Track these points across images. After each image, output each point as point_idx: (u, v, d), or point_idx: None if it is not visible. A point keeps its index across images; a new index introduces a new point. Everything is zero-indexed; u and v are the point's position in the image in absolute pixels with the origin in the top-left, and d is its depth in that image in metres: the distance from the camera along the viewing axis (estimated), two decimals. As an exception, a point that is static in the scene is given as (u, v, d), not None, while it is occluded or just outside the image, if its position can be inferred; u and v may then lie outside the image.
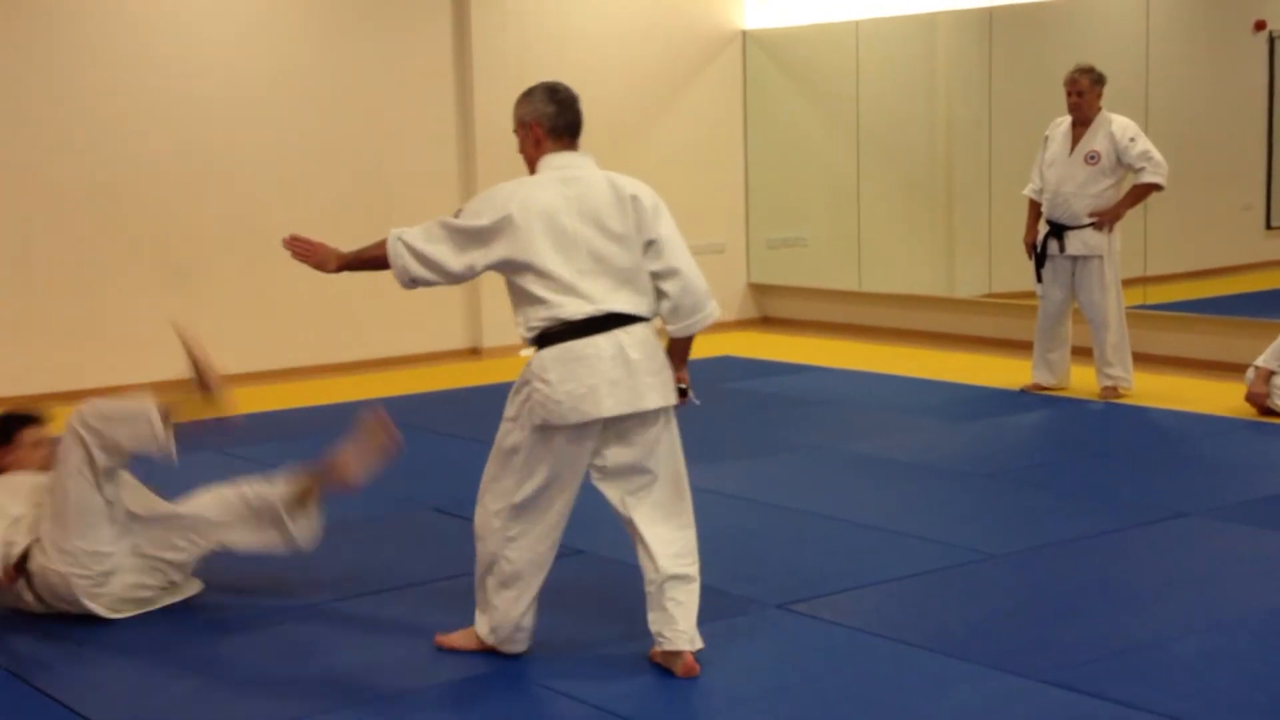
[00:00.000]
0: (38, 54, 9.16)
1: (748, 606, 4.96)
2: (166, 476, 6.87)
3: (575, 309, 4.30)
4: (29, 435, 5.31)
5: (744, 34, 11.84)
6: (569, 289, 4.30)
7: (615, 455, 4.40)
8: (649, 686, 4.32)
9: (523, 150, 4.56)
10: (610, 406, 4.29)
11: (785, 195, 11.94)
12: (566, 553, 5.49)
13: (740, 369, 9.84)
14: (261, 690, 4.42)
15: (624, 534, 5.74)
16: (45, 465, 5.13)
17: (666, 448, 4.46)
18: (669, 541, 4.43)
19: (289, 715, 4.20)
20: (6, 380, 9.09)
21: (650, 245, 4.41)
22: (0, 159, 9.11)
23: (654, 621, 4.42)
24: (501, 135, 11.46)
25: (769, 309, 12.08)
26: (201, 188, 9.73)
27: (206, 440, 7.84)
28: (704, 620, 4.80)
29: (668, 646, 4.39)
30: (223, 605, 5.15)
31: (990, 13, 10.65)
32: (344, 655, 4.65)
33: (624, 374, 4.30)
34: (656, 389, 4.38)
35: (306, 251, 4.60)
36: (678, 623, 4.39)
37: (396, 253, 4.39)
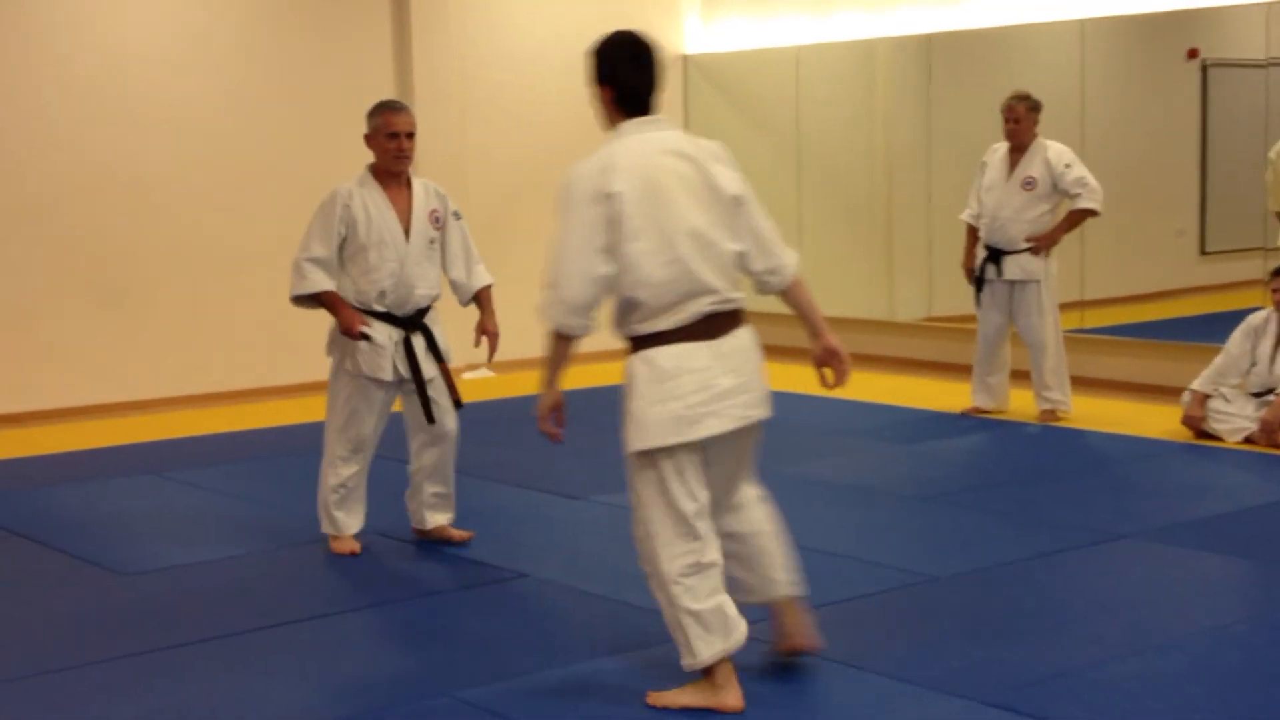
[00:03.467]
0: (-27, 74, 9.08)
1: (690, 630, 4.94)
2: (105, 506, 6.81)
3: None
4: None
5: (685, 59, 11.88)
6: None
7: None
8: (591, 711, 4.29)
9: None
10: None
11: (726, 219, 11.94)
12: (510, 576, 5.46)
13: (681, 392, 9.81)
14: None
15: (569, 558, 5.72)
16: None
17: None
18: None
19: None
20: (-61, 404, 8.99)
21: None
22: (-66, 180, 9.02)
23: None
24: (441, 165, 11.45)
25: (710, 333, 12.08)
26: (139, 208, 9.65)
27: (142, 464, 7.82)
28: (647, 644, 4.80)
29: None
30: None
31: (929, 39, 10.74)
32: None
33: None
34: None
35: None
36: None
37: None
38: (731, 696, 4.20)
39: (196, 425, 9.02)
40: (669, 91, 11.87)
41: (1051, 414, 8.49)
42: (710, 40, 11.85)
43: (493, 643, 4.86)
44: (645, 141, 4.23)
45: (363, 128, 5.98)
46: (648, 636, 4.87)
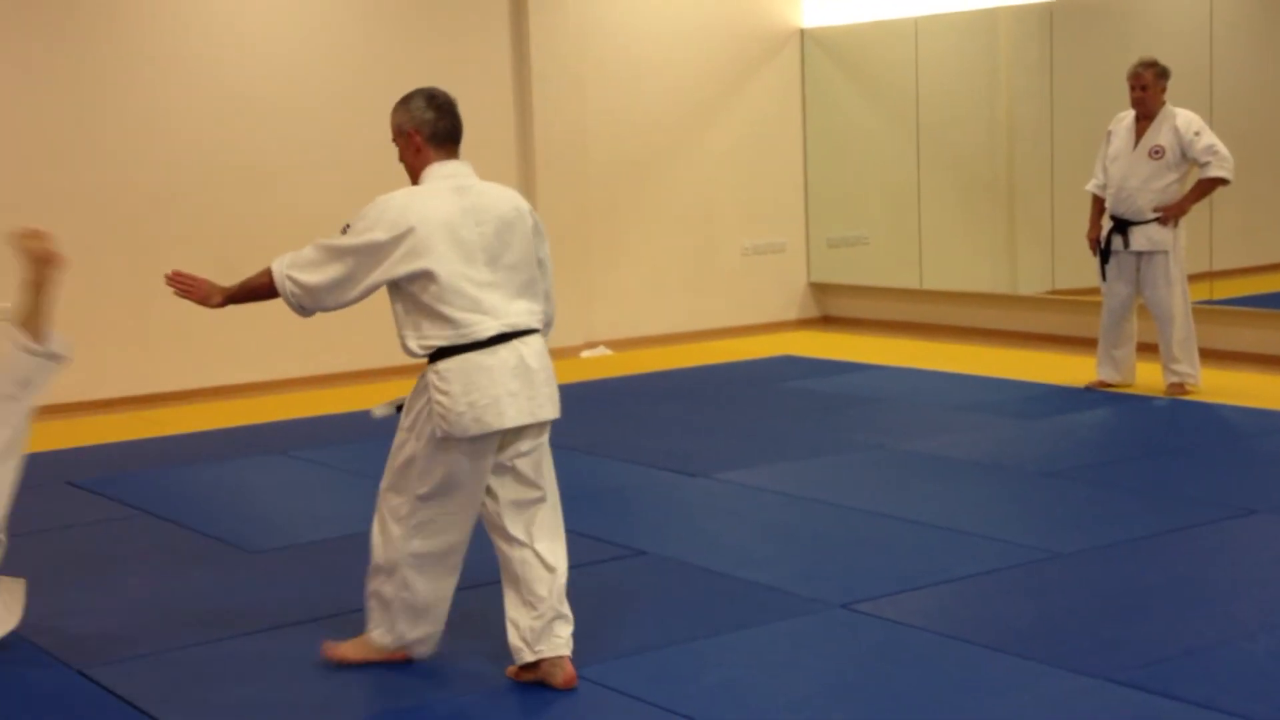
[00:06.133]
0: (97, 64, 9.25)
1: (812, 606, 4.94)
2: (233, 485, 6.94)
3: (480, 328, 4.24)
4: None
5: (802, 32, 11.80)
6: (474, 304, 4.24)
7: (509, 470, 4.36)
8: (711, 688, 4.30)
9: (403, 159, 4.52)
10: (511, 417, 4.23)
11: (845, 193, 11.90)
12: (629, 554, 5.48)
13: (801, 368, 9.80)
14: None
15: (689, 535, 5.74)
16: None
17: (549, 463, 4.44)
18: (560, 559, 4.42)
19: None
20: (70, 386, 9.17)
21: (540, 263, 4.46)
22: (62, 168, 9.20)
23: (536, 633, 4.33)
24: (560, 139, 11.47)
25: (830, 308, 12.04)
26: (260, 196, 9.79)
27: (269, 444, 7.95)
28: (768, 620, 4.80)
29: (553, 653, 4.32)
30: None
31: (1051, 7, 10.57)
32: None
33: (523, 385, 4.26)
34: (552, 400, 4.38)
35: (188, 288, 4.75)
36: (564, 630, 4.37)
37: (286, 289, 4.48)
38: None
39: (322, 405, 9.15)
40: (789, 66, 11.89)
41: (1180, 387, 8.33)
42: (828, 13, 11.75)
43: (612, 620, 4.88)
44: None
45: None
46: (768, 613, 4.87)
